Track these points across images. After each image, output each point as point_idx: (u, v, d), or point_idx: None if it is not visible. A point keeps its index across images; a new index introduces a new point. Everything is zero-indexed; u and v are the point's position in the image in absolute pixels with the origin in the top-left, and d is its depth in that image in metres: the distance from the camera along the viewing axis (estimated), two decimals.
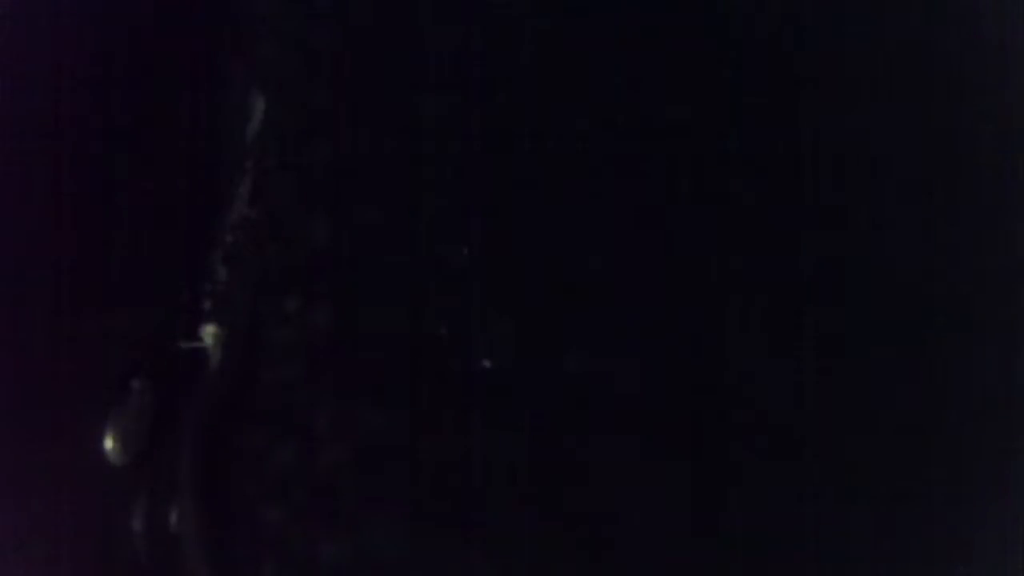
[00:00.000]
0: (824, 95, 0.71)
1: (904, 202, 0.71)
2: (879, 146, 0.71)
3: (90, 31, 0.76)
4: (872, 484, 0.68)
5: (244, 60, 0.76)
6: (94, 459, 0.72)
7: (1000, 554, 0.70)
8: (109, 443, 0.73)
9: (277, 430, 0.69)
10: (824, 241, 0.69)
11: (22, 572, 0.73)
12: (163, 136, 0.76)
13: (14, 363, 0.74)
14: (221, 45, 0.77)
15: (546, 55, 0.71)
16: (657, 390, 0.68)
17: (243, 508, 0.70)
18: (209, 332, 0.74)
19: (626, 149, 0.70)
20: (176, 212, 0.76)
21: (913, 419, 0.69)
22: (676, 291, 0.69)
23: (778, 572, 0.68)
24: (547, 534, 0.67)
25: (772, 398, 0.68)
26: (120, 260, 0.75)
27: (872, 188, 0.71)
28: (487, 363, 0.68)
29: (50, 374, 0.73)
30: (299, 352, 0.69)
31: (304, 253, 0.71)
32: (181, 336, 0.74)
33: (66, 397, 0.73)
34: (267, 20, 0.75)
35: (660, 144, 0.70)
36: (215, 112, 0.76)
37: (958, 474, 0.70)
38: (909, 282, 0.70)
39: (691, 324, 0.69)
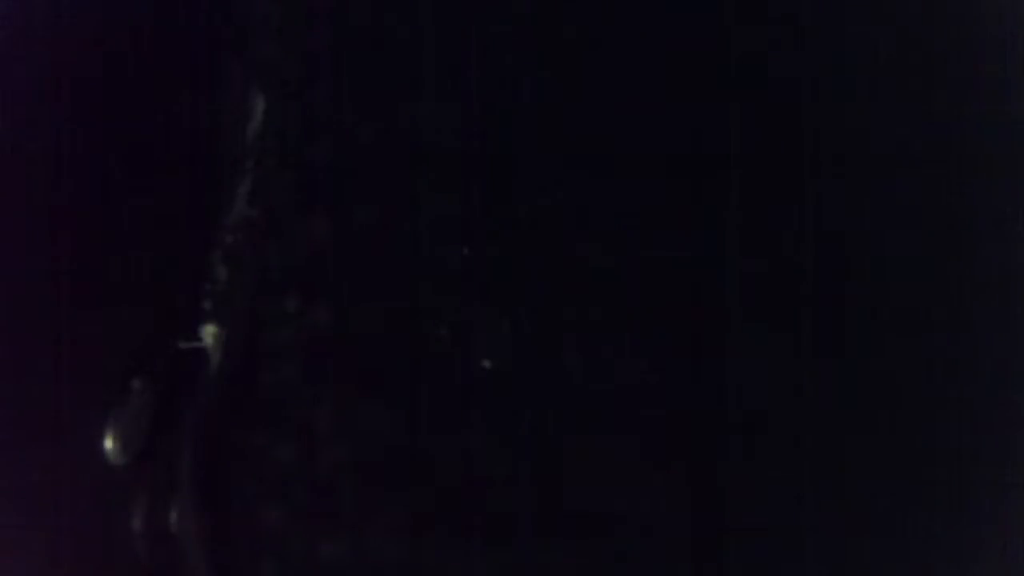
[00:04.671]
0: (824, 94, 0.71)
1: (905, 202, 0.71)
2: (880, 146, 0.71)
3: (90, 31, 0.76)
4: (872, 484, 0.68)
5: (244, 60, 0.76)
6: (94, 459, 0.72)
7: (1000, 554, 0.70)
8: (109, 443, 0.73)
9: (277, 430, 0.69)
10: (824, 241, 0.69)
11: (22, 572, 0.73)
12: (163, 136, 0.76)
13: (14, 363, 0.74)
14: (221, 45, 0.76)
15: (546, 54, 0.71)
16: (657, 390, 0.68)
17: (243, 508, 0.70)
18: (209, 332, 0.74)
19: (625, 148, 0.70)
20: (176, 212, 0.75)
21: (913, 419, 0.69)
22: (676, 290, 0.69)
23: (778, 572, 0.68)
24: (547, 534, 0.67)
25: (772, 398, 0.68)
26: (120, 260, 0.75)
27: (872, 188, 0.71)
28: (487, 363, 0.68)
29: (50, 374, 0.73)
30: (299, 352, 0.69)
31: (304, 253, 0.71)
32: (181, 336, 0.74)
33: (66, 397, 0.73)
34: (267, 20, 0.74)
35: (659, 143, 0.70)
36: (215, 112, 0.76)
37: (958, 475, 0.70)
38: (909, 282, 0.70)
39: (691, 323, 0.69)
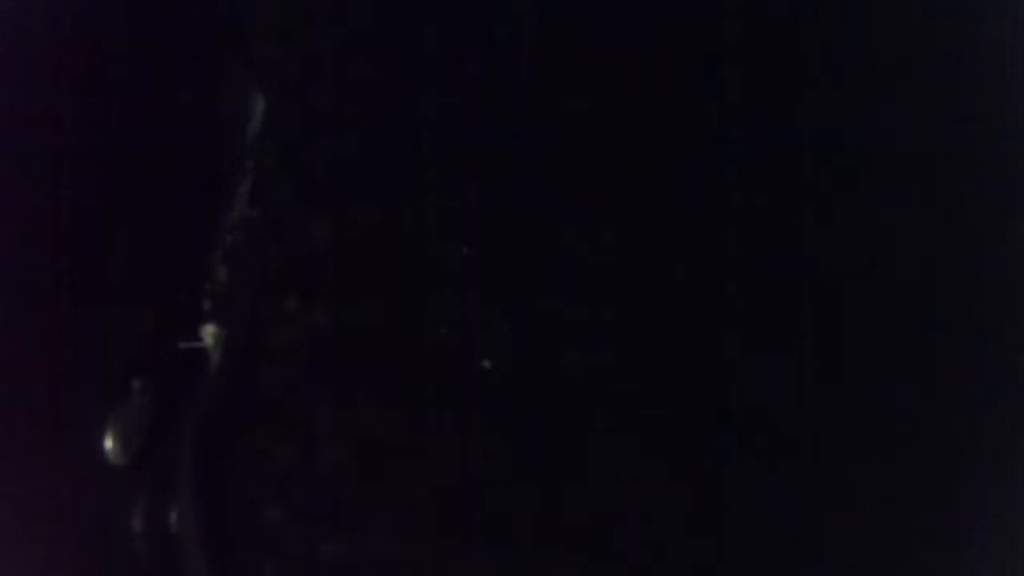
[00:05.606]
0: (823, 94, 0.71)
1: (904, 201, 0.71)
2: (879, 145, 0.71)
3: (90, 31, 0.76)
4: (872, 484, 0.68)
5: (244, 60, 0.76)
6: (94, 459, 0.72)
7: (1000, 554, 0.70)
8: (109, 443, 0.73)
9: (277, 430, 0.69)
10: (823, 241, 0.69)
11: (22, 572, 0.73)
12: (163, 136, 0.76)
13: (14, 363, 0.74)
14: (221, 45, 0.77)
15: (546, 53, 0.71)
16: (657, 390, 0.68)
17: (243, 508, 0.70)
18: (209, 332, 0.74)
19: (626, 148, 0.70)
20: (176, 212, 0.76)
21: (913, 418, 0.69)
22: (676, 290, 0.69)
23: (778, 572, 0.68)
24: (547, 534, 0.67)
25: (772, 398, 0.68)
26: (120, 260, 0.75)
27: (872, 187, 0.71)
28: (487, 363, 0.68)
29: (50, 374, 0.73)
30: (299, 352, 0.69)
31: (304, 253, 0.71)
32: (181, 336, 0.74)
33: (66, 397, 0.73)
34: (267, 20, 0.75)
35: (659, 143, 0.70)
36: (215, 112, 0.76)
37: (958, 474, 0.70)
38: (909, 281, 0.70)
39: (691, 324, 0.69)
